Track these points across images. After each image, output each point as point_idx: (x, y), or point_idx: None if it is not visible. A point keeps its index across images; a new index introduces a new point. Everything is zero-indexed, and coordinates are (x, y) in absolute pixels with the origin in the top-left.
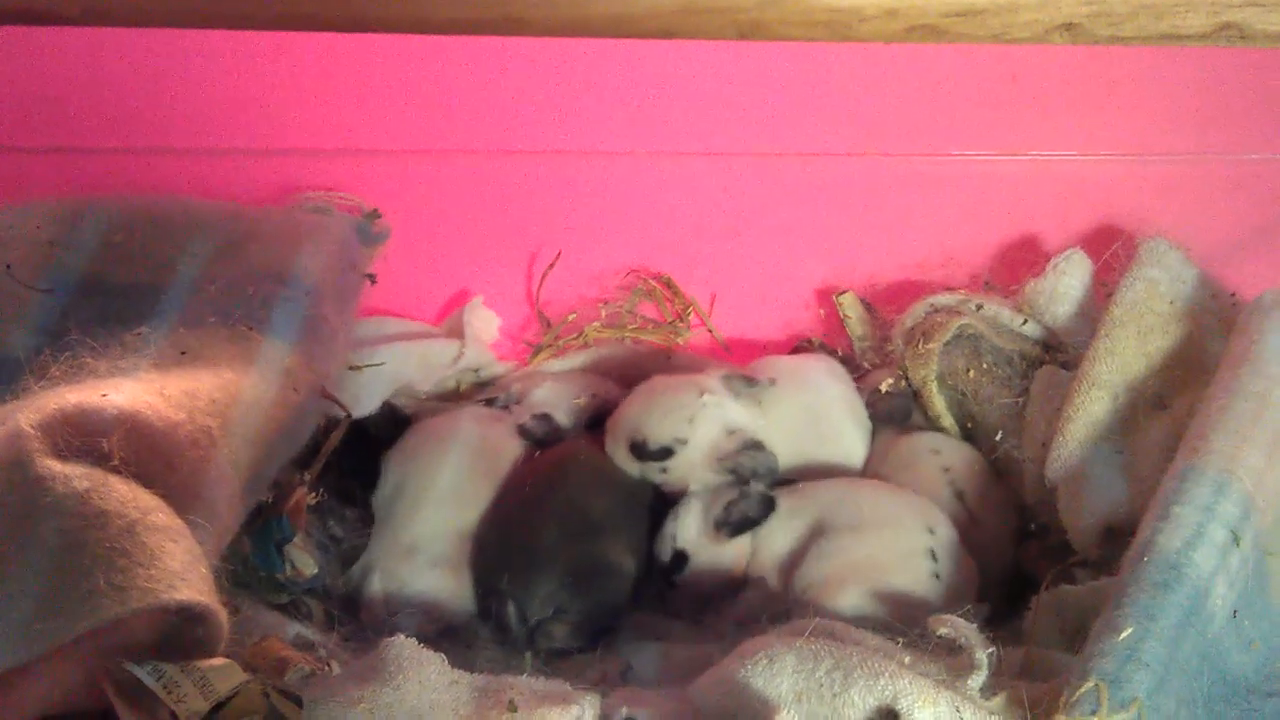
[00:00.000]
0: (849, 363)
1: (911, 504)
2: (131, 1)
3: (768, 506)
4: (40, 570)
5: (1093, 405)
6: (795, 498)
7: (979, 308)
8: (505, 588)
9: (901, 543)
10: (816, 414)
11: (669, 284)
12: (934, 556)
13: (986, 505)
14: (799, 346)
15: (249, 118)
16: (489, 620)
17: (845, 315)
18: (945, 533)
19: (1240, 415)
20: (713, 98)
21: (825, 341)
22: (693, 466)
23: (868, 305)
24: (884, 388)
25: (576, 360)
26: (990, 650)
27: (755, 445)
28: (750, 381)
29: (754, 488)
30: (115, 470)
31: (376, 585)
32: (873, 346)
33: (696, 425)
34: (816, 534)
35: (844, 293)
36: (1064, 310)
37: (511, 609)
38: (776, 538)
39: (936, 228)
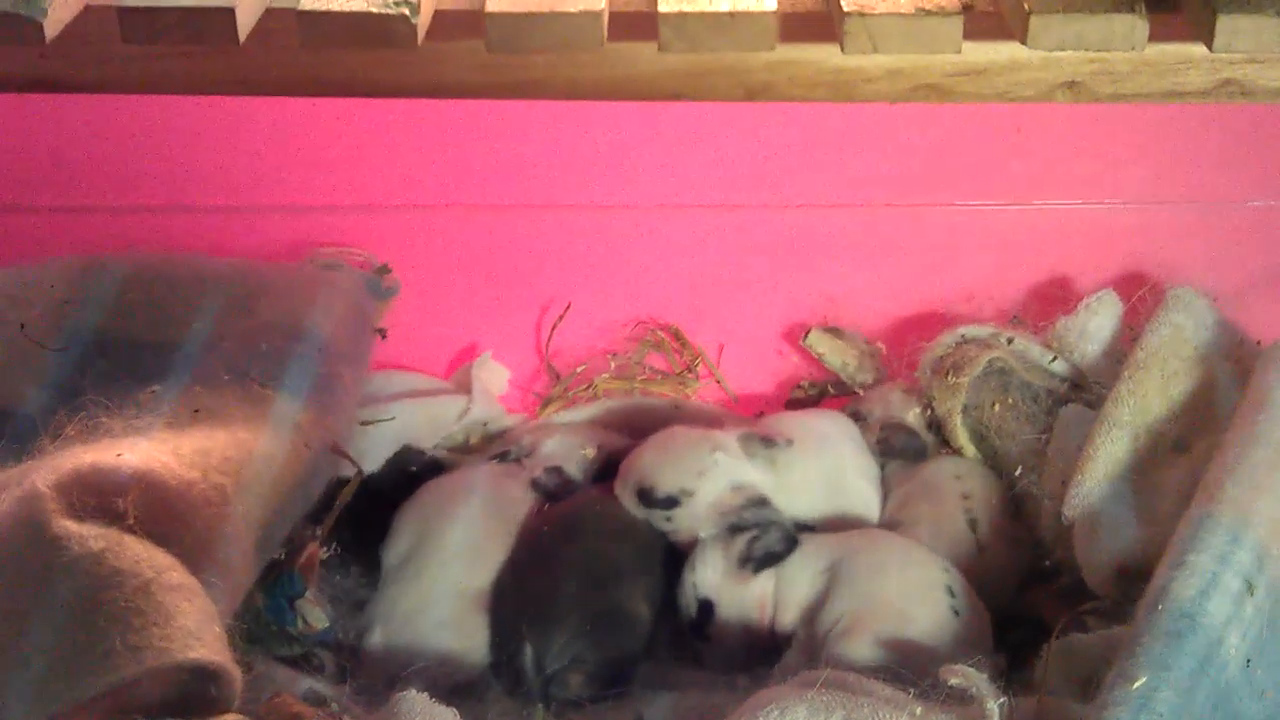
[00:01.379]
0: (844, 390)
1: (925, 549)
2: (141, 69)
3: (791, 542)
4: (56, 630)
5: (1113, 445)
6: (815, 543)
7: (1010, 341)
8: (523, 636)
9: (921, 579)
10: (832, 476)
11: (677, 335)
12: (952, 593)
13: (997, 537)
14: (793, 397)
15: (261, 176)
16: (502, 672)
17: (819, 354)
18: (958, 574)
19: (1256, 463)
20: (722, 156)
21: (814, 379)
22: (697, 518)
23: (836, 330)
24: (910, 418)
25: (586, 412)
26: (1002, 700)
27: (761, 502)
28: (768, 442)
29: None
30: (130, 530)
31: (377, 640)
32: (858, 366)
33: (704, 479)
34: (837, 578)
35: (808, 333)
36: (1092, 349)
37: (528, 657)
38: (799, 583)
39: (942, 277)
